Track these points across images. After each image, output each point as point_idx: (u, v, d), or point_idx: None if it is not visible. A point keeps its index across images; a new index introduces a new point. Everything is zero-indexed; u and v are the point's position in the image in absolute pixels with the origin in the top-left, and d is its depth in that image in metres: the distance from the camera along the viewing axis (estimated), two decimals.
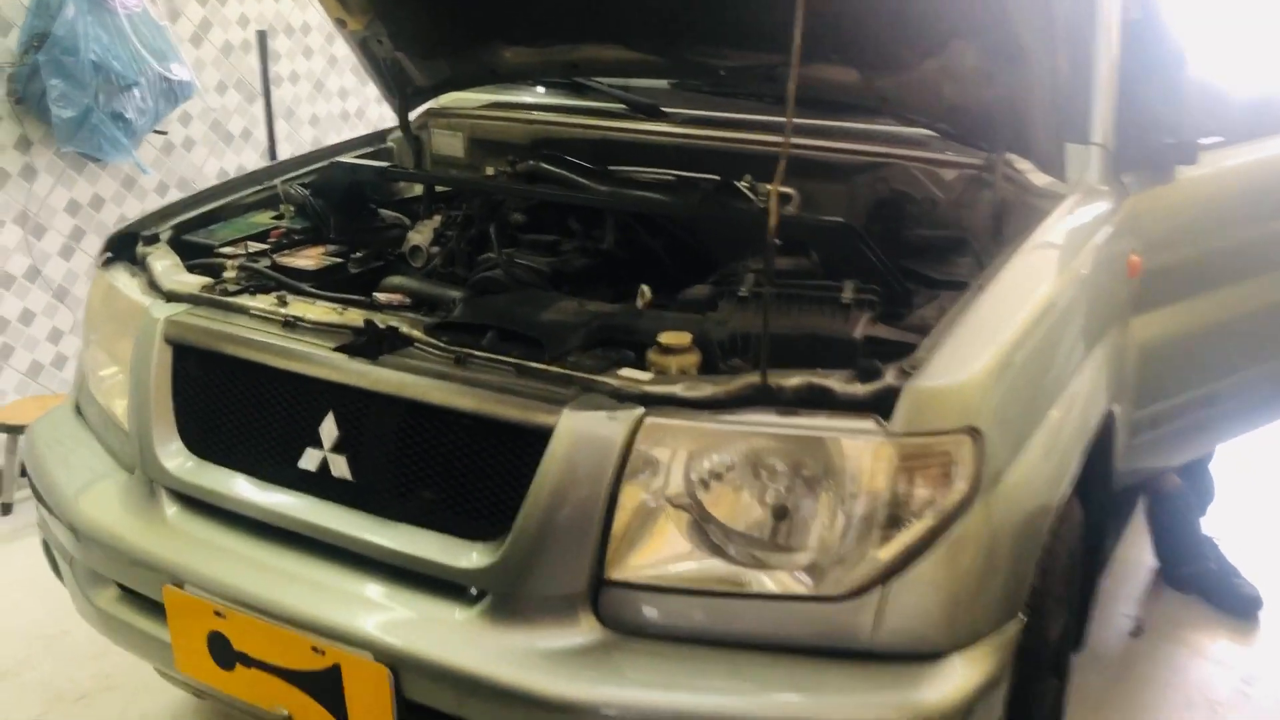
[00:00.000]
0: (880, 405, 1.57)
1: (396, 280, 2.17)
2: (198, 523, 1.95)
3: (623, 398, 1.65)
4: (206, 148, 4.37)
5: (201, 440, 1.99)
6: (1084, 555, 2.19)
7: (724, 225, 2.36)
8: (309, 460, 1.85)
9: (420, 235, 2.38)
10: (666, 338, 1.77)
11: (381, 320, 1.90)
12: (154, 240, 2.32)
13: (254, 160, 4.51)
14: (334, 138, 4.77)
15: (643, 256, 2.32)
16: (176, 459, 1.98)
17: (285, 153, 4.51)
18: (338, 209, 2.47)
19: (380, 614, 1.73)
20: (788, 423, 1.59)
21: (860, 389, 1.59)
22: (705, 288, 2.02)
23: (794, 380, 1.61)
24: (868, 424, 1.57)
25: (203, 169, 4.36)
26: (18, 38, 3.59)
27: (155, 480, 1.99)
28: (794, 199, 2.38)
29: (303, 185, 2.56)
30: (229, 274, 2.15)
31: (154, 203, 4.00)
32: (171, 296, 2.09)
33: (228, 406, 1.96)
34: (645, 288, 2.03)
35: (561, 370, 1.72)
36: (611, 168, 2.57)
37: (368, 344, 1.85)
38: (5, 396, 3.82)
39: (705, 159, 2.52)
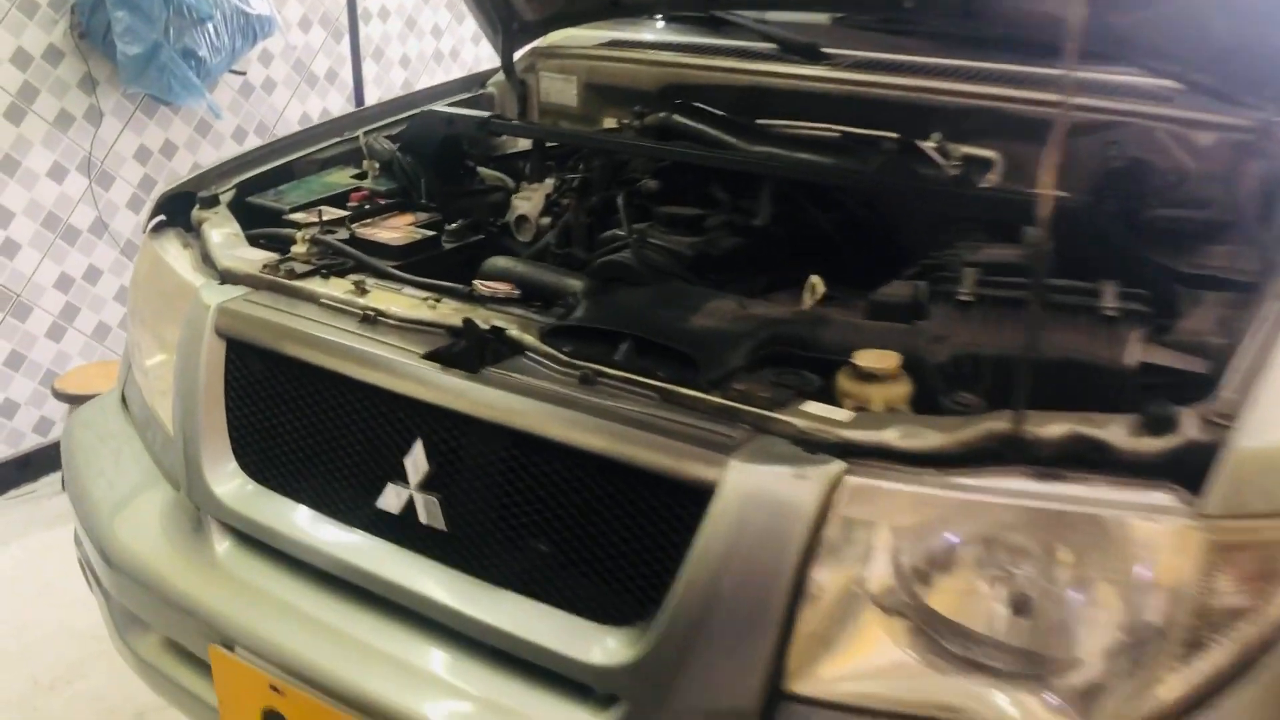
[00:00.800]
0: (1178, 469, 1.12)
1: (501, 263, 1.76)
2: (254, 564, 1.58)
3: (813, 446, 1.21)
4: (288, 90, 4.01)
5: (260, 461, 1.60)
6: None
7: (906, 197, 1.89)
8: (391, 500, 1.44)
9: (528, 203, 1.97)
10: (866, 358, 1.31)
11: (484, 319, 1.48)
12: (212, 202, 1.94)
13: (339, 104, 4.17)
14: (426, 81, 4.43)
15: (807, 236, 1.86)
16: (230, 483, 1.60)
17: (373, 96, 4.20)
18: (430, 167, 2.07)
19: (478, 713, 1.32)
20: (1054, 492, 1.13)
21: (1150, 445, 1.13)
22: (905, 285, 1.54)
23: (1056, 429, 1.16)
24: (1164, 497, 1.11)
25: (284, 113, 4.01)
26: None
27: (203, 508, 1.61)
28: (995, 165, 1.90)
29: (389, 138, 2.16)
30: (298, 248, 1.75)
31: (231, 150, 3.65)
32: (227, 276, 1.72)
33: (292, 421, 1.57)
34: (816, 280, 1.58)
35: (725, 402, 1.29)
36: (759, 121, 2.12)
37: (466, 351, 1.43)
38: (69, 360, 3.53)
39: (875, 113, 2.05)
